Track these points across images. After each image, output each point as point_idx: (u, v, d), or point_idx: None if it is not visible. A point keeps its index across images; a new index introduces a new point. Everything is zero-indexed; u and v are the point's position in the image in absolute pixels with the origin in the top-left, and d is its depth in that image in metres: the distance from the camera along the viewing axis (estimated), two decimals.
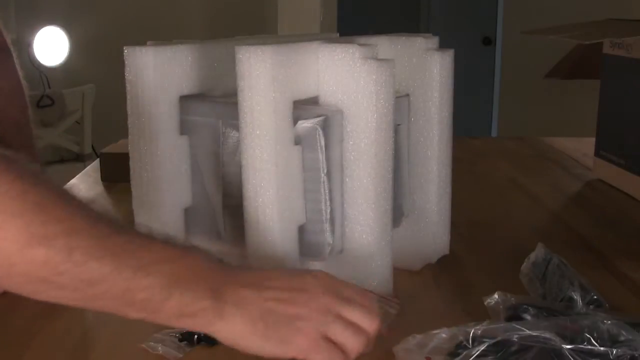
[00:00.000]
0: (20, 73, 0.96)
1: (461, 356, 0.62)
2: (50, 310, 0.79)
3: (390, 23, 4.53)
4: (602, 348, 0.61)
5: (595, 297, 0.77)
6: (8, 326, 0.77)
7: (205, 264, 0.62)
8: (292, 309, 0.62)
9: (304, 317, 0.62)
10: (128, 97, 0.80)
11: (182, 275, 0.59)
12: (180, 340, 0.72)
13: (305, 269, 0.70)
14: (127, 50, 0.79)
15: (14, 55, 0.96)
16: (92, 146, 3.48)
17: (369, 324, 0.64)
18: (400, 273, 0.87)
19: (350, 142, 0.77)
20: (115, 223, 0.59)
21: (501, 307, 0.73)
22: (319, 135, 0.74)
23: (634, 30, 1.28)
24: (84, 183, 1.39)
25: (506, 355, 0.61)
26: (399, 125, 0.85)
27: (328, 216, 0.76)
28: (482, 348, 0.62)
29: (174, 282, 0.58)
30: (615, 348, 0.61)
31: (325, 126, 0.75)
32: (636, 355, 0.61)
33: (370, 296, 0.68)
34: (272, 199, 0.73)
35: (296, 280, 0.65)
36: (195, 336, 0.72)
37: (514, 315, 0.71)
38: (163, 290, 0.58)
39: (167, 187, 0.82)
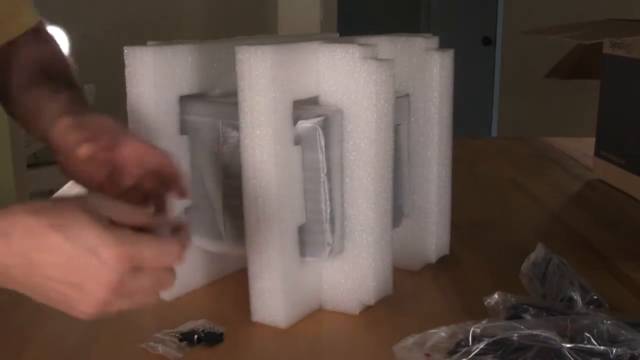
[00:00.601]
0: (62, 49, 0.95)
1: (460, 353, 0.62)
2: (50, 310, 0.79)
3: (390, 23, 4.54)
4: (602, 347, 0.61)
5: (595, 297, 0.77)
6: (8, 326, 0.77)
7: None
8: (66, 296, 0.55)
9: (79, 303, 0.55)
10: (128, 97, 0.80)
11: None
12: (181, 340, 0.72)
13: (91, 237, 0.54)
14: (127, 50, 0.79)
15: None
16: None
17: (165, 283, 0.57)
18: (400, 273, 0.87)
19: (350, 142, 0.77)
20: None
21: (501, 307, 0.73)
22: (319, 135, 0.74)
23: (634, 30, 1.28)
24: None
25: (506, 354, 0.61)
26: (399, 125, 0.85)
27: (328, 216, 0.76)
28: (482, 346, 0.62)
29: None
30: (615, 347, 0.61)
31: (325, 126, 0.75)
32: (636, 354, 0.61)
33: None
34: (272, 199, 0.73)
35: (75, 268, 0.54)
36: (195, 336, 0.72)
37: (514, 315, 0.71)
38: None
39: None
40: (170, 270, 0.58)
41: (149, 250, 0.55)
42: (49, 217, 0.53)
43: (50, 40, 0.95)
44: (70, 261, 0.53)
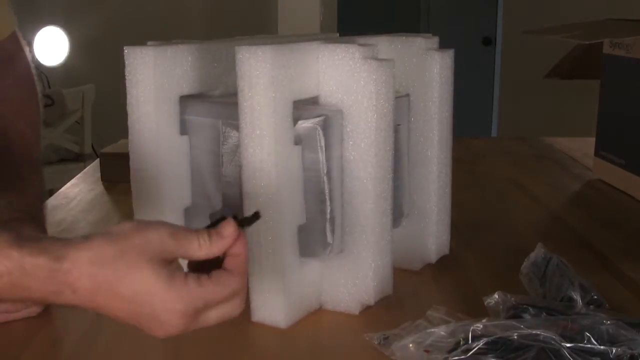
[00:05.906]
0: (39, 86, 0.92)
1: (459, 350, 0.62)
2: (50, 310, 0.79)
3: (390, 23, 4.54)
4: (601, 347, 0.61)
5: (595, 297, 0.77)
6: (8, 326, 0.77)
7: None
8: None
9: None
10: (128, 97, 0.80)
11: None
12: None
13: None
14: (127, 50, 0.79)
15: (32, 66, 0.93)
16: (92, 146, 3.48)
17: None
18: (400, 273, 0.87)
19: (350, 142, 0.77)
20: None
21: (501, 307, 0.73)
22: (319, 135, 0.74)
23: (634, 30, 1.28)
24: (84, 183, 1.39)
25: (506, 353, 0.61)
26: (399, 125, 0.85)
27: (328, 216, 0.76)
28: (481, 344, 0.62)
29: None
30: (615, 347, 0.61)
31: (325, 126, 0.75)
32: (636, 354, 0.61)
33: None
34: (272, 199, 0.73)
35: (142, 316, 0.57)
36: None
37: (514, 315, 0.71)
38: None
39: (167, 187, 0.82)
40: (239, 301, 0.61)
41: (214, 299, 0.58)
42: (113, 270, 0.55)
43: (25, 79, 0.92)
44: (136, 310, 0.57)
